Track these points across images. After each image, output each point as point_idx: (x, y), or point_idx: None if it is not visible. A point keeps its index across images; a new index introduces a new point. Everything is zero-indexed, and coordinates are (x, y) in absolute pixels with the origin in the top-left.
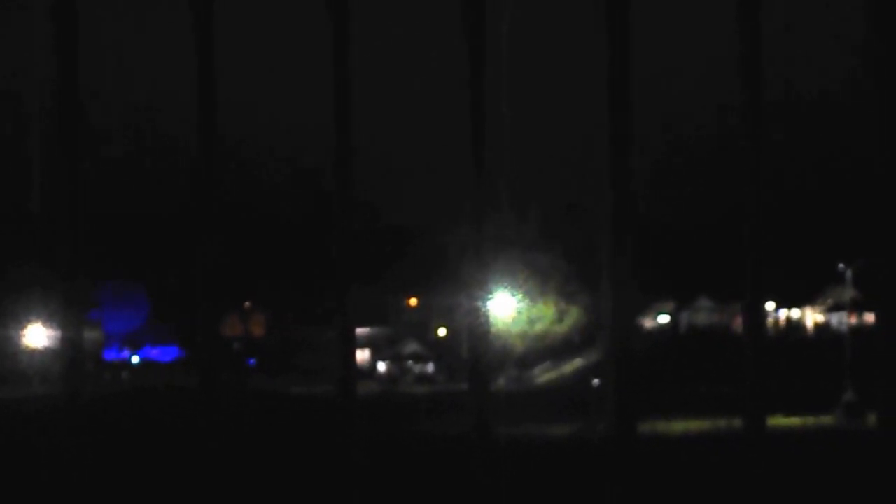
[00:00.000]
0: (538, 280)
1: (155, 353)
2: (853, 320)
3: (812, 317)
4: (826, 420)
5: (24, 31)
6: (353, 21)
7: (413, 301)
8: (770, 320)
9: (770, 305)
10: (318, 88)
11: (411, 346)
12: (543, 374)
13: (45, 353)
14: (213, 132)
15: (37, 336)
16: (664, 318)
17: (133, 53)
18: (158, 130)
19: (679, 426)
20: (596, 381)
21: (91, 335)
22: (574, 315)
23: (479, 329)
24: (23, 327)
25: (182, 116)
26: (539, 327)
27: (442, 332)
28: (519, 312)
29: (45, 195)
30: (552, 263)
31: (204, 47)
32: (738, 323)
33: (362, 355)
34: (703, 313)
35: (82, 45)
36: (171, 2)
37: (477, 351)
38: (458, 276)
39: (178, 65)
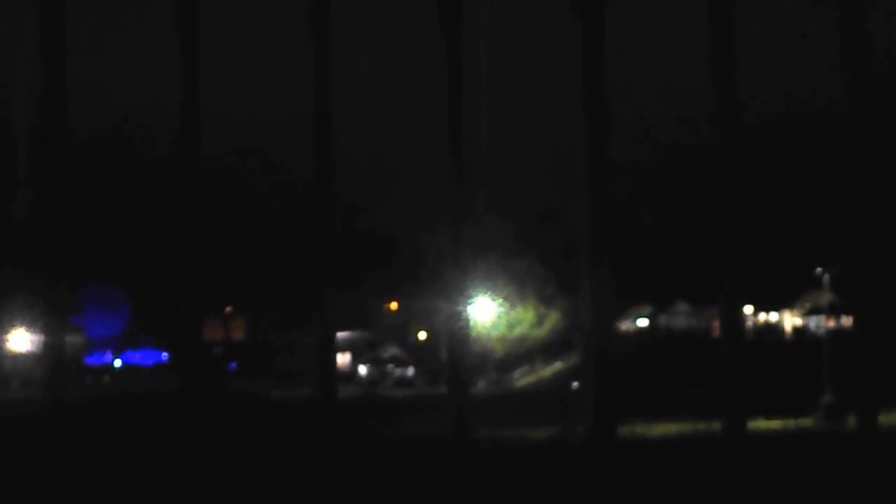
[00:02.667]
0: (517, 284)
1: (137, 357)
2: (831, 323)
3: (790, 320)
4: (805, 422)
5: (8, 37)
6: (334, 24)
7: (393, 305)
8: (748, 324)
9: (748, 309)
10: (299, 93)
11: (391, 350)
12: (523, 378)
13: (28, 357)
14: (196, 137)
15: (20, 341)
16: (642, 322)
17: (115, 58)
18: (139, 134)
19: (658, 429)
20: (575, 385)
21: (73, 339)
22: (553, 319)
23: (459, 333)
24: (6, 332)
25: (164, 120)
26: (518, 331)
27: (422, 335)
28: (498, 316)
29: (29, 200)
30: (530, 268)
31: (187, 51)
32: (716, 327)
33: (343, 359)
34: (681, 317)
35: (67, 49)
36: (155, 6)
37: (456, 355)
38: (437, 280)
39: (160, 69)
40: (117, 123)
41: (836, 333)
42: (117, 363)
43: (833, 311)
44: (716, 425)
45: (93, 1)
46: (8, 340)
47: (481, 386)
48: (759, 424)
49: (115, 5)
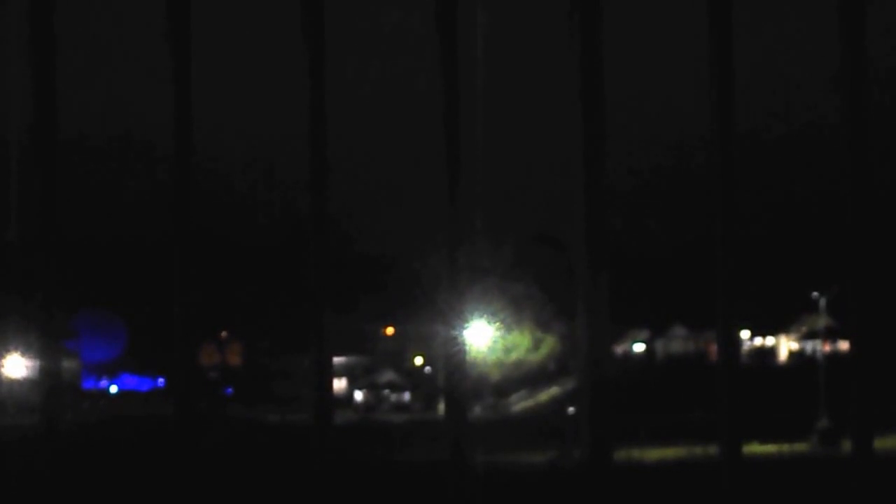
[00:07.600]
0: (513, 308)
1: (133, 382)
2: (827, 348)
3: (787, 344)
4: (801, 447)
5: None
6: (329, 45)
7: (390, 330)
8: (745, 348)
9: (745, 334)
10: (294, 117)
11: (388, 375)
12: (519, 403)
13: (24, 382)
14: (189, 162)
15: (15, 366)
16: (639, 347)
17: (109, 79)
18: (134, 159)
19: (655, 453)
20: (571, 409)
21: (69, 364)
22: (549, 343)
23: (455, 358)
24: (1, 357)
25: (158, 145)
26: (515, 356)
27: (419, 360)
28: (495, 341)
29: (22, 224)
30: (527, 292)
31: (180, 75)
32: (713, 351)
33: (339, 384)
34: (678, 341)
35: (59, 71)
36: (145, 30)
37: (453, 380)
38: (434, 304)
39: (154, 93)
40: (115, 145)
41: (833, 357)
42: (114, 388)
43: (829, 334)
44: (712, 450)
45: (85, 26)
46: (3, 366)
47: (478, 411)
48: (755, 449)
49: (107, 28)
